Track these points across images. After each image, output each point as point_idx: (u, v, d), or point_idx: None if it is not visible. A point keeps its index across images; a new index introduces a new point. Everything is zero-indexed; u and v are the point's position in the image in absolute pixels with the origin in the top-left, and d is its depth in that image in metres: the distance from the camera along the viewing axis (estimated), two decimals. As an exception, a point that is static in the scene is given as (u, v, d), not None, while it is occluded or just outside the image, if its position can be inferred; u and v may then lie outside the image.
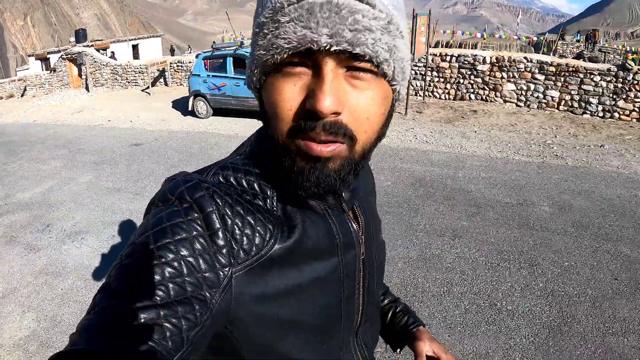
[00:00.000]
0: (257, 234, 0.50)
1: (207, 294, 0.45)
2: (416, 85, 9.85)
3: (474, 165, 5.31)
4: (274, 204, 0.54)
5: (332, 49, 0.44)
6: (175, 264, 0.44)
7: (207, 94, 9.01)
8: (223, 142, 7.34)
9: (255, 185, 0.54)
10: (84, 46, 21.44)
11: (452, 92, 9.34)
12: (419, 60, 9.17)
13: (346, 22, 0.44)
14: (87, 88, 15.85)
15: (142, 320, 0.41)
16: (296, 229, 0.53)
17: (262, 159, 0.56)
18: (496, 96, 9.02)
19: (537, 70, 8.81)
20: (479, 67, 9.04)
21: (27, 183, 6.03)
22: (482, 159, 5.65)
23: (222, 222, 0.48)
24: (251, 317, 0.50)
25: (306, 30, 0.44)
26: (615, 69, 8.45)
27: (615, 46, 26.74)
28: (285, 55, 0.46)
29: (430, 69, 9.38)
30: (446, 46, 24.72)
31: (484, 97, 9.11)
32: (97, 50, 21.79)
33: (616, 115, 8.56)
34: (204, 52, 9.26)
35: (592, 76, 8.58)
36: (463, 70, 9.18)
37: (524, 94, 8.90)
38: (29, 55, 25.20)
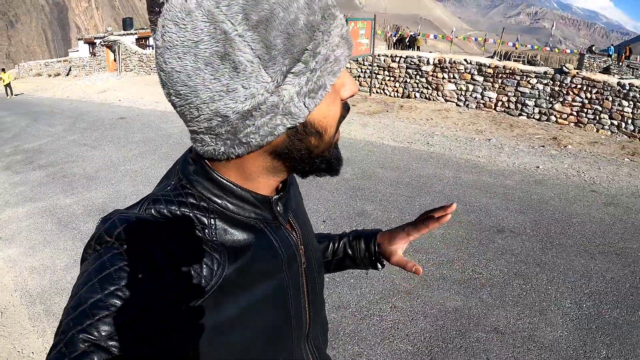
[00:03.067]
0: (205, 266, 0.49)
1: (162, 336, 0.44)
2: (367, 83, 11.04)
3: (350, 147, 6.66)
4: (213, 232, 0.52)
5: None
6: (128, 311, 0.43)
7: None
8: (178, 119, 9.10)
9: (191, 215, 0.52)
10: (127, 34, 24.16)
11: (400, 90, 10.50)
12: (355, 59, 10.49)
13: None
14: (119, 72, 18.30)
15: None
16: (241, 254, 0.53)
17: (193, 189, 0.54)
18: (438, 95, 10.08)
19: (476, 72, 9.56)
20: (423, 68, 10.10)
21: (33, 138, 8.14)
22: (362, 142, 6.95)
23: (167, 260, 0.46)
24: (209, 348, 0.49)
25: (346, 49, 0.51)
26: (552, 72, 8.91)
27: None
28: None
29: (382, 68, 10.61)
30: (505, 57, 24.30)
31: (427, 95, 10.20)
32: (140, 38, 24.47)
33: (553, 118, 8.97)
34: None
35: (528, 78, 9.11)
36: (410, 71, 10.30)
37: (464, 94, 9.81)
38: (78, 39, 28.31)
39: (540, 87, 9.01)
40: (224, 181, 0.55)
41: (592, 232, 3.81)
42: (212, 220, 0.53)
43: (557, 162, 6.06)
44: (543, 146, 7.03)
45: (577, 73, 8.74)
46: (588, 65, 24.77)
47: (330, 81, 0.49)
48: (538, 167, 5.82)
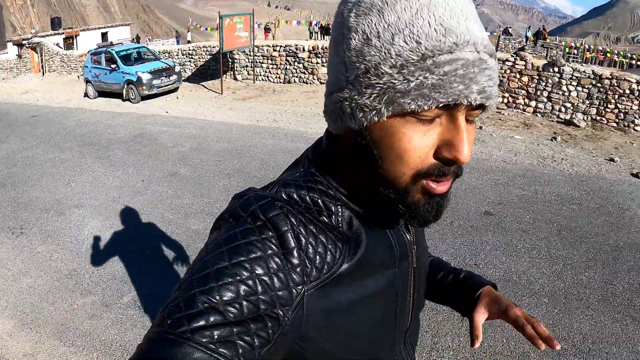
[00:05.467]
0: (329, 252, 0.52)
1: (280, 311, 0.47)
2: (249, 72, 12.34)
3: (203, 127, 8.26)
4: (339, 220, 0.55)
5: (477, 103, 0.47)
6: (250, 282, 0.45)
7: (92, 80, 12.20)
8: (79, 114, 10.36)
9: (320, 201, 0.55)
10: (55, 34, 24.52)
11: (282, 76, 12.04)
12: (243, 51, 11.98)
13: (491, 79, 0.48)
14: (42, 73, 19.02)
15: (216, 337, 0.42)
16: (361, 245, 0.55)
17: (322, 175, 0.58)
18: (314, 79, 11.69)
19: None
20: (300, 55, 11.63)
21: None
22: (216, 122, 8.49)
23: (296, 241, 0.49)
24: (318, 331, 0.52)
25: (462, 87, 0.46)
26: None
27: (557, 41, 27.51)
28: (433, 107, 0.46)
29: (266, 57, 12.11)
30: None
31: (305, 80, 11.79)
32: (67, 38, 24.85)
33: None
34: (91, 50, 12.37)
35: None
36: (289, 58, 11.85)
37: None
38: (7, 41, 28.24)
39: None
40: (351, 172, 0.57)
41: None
42: (338, 207, 0.56)
43: None
44: None
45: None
46: (503, 47, 26.53)
47: (388, 111, 0.48)
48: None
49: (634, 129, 7.83)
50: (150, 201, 5.10)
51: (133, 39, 29.74)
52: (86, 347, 2.90)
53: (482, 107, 0.50)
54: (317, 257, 0.51)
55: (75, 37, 24.59)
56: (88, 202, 5.24)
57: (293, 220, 0.50)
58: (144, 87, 10.91)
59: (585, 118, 8.10)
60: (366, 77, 0.49)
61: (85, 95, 12.77)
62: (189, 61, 13.61)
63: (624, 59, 24.10)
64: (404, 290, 0.65)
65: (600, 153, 6.56)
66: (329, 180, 0.58)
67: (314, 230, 0.52)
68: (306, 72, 11.76)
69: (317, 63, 11.55)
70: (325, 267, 0.51)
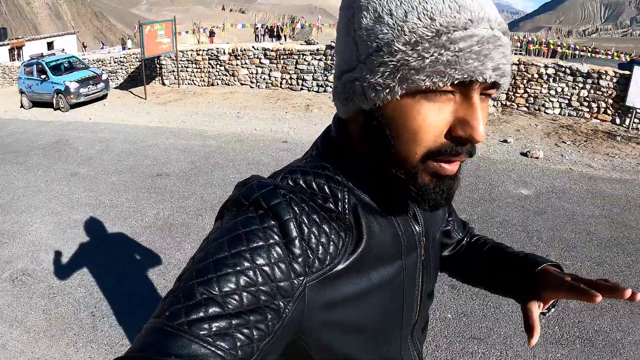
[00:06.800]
0: (332, 243, 0.51)
1: (280, 303, 0.46)
2: (176, 77, 13.07)
3: (110, 130, 9.12)
4: (345, 206, 0.54)
5: (492, 81, 0.47)
6: (250, 272, 0.45)
7: (25, 91, 12.84)
8: (12, 124, 11.04)
9: (326, 187, 0.55)
10: (1, 45, 24.57)
11: (206, 79, 12.88)
12: (169, 56, 12.79)
13: (505, 56, 0.47)
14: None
15: (214, 330, 0.42)
16: (365, 235, 0.54)
17: (329, 162, 0.57)
18: (235, 80, 12.54)
19: (262, 56, 11.55)
20: (221, 58, 12.38)
21: None
22: (126, 126, 9.39)
23: (299, 230, 0.49)
24: (319, 324, 0.51)
25: (477, 64, 0.46)
26: (324, 48, 10.69)
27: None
28: (448, 84, 0.46)
29: (190, 62, 12.94)
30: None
31: (226, 82, 12.62)
32: (13, 49, 24.93)
33: (329, 89, 10.91)
34: (24, 62, 13.01)
35: (305, 57, 10.95)
36: (212, 62, 12.67)
37: (255, 76, 12.16)
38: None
39: (315, 62, 10.99)
40: (360, 161, 0.57)
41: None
42: (345, 194, 0.55)
43: (278, 124, 8.81)
44: (287, 112, 9.75)
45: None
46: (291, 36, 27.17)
47: (402, 89, 0.48)
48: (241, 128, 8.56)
49: (544, 112, 8.60)
50: (48, 198, 5.98)
51: (84, 46, 29.79)
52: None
53: (494, 85, 0.49)
54: (320, 247, 0.50)
55: (21, 47, 24.70)
56: (-8, 201, 6.10)
57: (296, 208, 0.50)
58: (72, 96, 11.64)
59: (495, 104, 8.84)
60: (379, 55, 0.48)
61: (22, 106, 13.39)
62: (121, 68, 14.32)
63: (567, 50, 25.61)
64: (412, 283, 0.64)
65: (497, 136, 7.45)
66: (336, 166, 0.57)
67: (317, 220, 0.51)
68: (227, 74, 12.60)
69: (237, 65, 12.39)
70: (328, 258, 0.51)
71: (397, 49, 0.47)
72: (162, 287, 3.70)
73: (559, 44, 28.25)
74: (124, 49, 25.78)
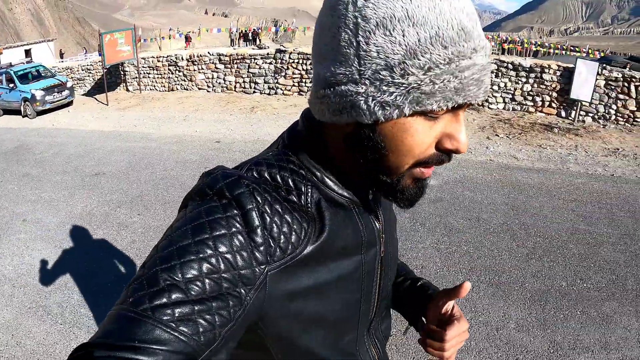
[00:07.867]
0: (294, 233, 0.53)
1: (242, 290, 0.48)
2: (138, 83, 13.82)
3: (75, 135, 9.99)
4: (308, 200, 0.56)
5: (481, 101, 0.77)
6: (213, 260, 0.46)
7: None
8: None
9: (290, 181, 0.56)
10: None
11: (167, 85, 13.70)
12: (132, 63, 13.59)
13: (489, 78, 0.52)
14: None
15: (177, 315, 0.43)
16: (327, 227, 0.56)
17: (295, 155, 0.59)
18: (193, 85, 13.36)
19: (217, 61, 12.18)
20: (180, 64, 13.14)
21: None
22: (79, 131, 10.27)
23: (261, 219, 0.50)
24: (279, 313, 0.53)
25: (475, 89, 0.50)
26: (274, 52, 11.12)
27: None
28: (450, 107, 0.50)
29: (152, 68, 13.77)
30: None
31: (185, 87, 13.42)
32: (-9, 56, 25.49)
33: (280, 91, 11.73)
34: None
35: (256, 61, 11.54)
36: (171, 68, 13.47)
37: (211, 81, 12.91)
38: None
39: (266, 66, 11.57)
40: (328, 156, 0.59)
41: (140, 164, 7.44)
42: (308, 188, 0.56)
43: (218, 126, 9.71)
44: (231, 114, 10.65)
45: (294, 50, 10.91)
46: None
47: (410, 110, 0.49)
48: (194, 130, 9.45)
49: (488, 107, 8.94)
50: (-1, 196, 6.89)
51: (62, 54, 30.41)
52: None
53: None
54: (282, 236, 0.51)
55: (-2, 54, 25.30)
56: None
57: (259, 198, 0.51)
58: (38, 103, 12.48)
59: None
60: (388, 74, 0.49)
61: (-6, 114, 14.25)
62: (88, 75, 15.15)
63: (541, 48, 26.50)
64: (370, 277, 0.65)
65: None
66: (301, 160, 0.59)
67: (280, 210, 0.52)
68: (186, 80, 13.42)
69: (195, 70, 13.21)
70: (290, 247, 0.52)
71: (410, 72, 0.48)
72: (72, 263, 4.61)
73: (534, 42, 29.11)
74: (100, 54, 26.54)
